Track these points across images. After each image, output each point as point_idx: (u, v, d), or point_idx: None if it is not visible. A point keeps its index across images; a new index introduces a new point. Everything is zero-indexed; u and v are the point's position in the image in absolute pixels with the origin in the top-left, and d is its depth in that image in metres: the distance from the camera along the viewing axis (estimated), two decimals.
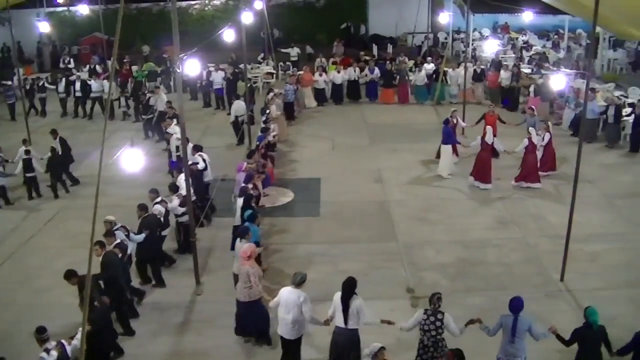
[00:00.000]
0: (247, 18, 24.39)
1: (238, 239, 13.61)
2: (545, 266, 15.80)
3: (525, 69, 31.89)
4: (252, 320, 12.66)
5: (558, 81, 22.11)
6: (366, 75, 31.07)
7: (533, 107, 22.98)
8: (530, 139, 20.44)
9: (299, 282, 11.40)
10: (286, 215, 18.76)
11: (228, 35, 23.42)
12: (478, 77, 31.00)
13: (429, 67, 31.54)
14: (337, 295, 11.21)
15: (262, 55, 35.64)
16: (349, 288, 11.14)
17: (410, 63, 33.33)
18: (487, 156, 20.57)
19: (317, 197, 19.90)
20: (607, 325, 10.97)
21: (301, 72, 31.01)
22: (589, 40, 38.40)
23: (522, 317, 10.82)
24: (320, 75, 30.59)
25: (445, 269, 15.71)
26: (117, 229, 14.15)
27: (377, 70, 31.34)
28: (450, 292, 14.41)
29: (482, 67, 32.24)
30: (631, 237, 17.50)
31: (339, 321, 11.18)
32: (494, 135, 20.91)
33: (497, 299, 14.12)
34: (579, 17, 34.04)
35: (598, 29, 34.26)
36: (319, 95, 30.77)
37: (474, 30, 43.04)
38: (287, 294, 11.43)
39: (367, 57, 33.68)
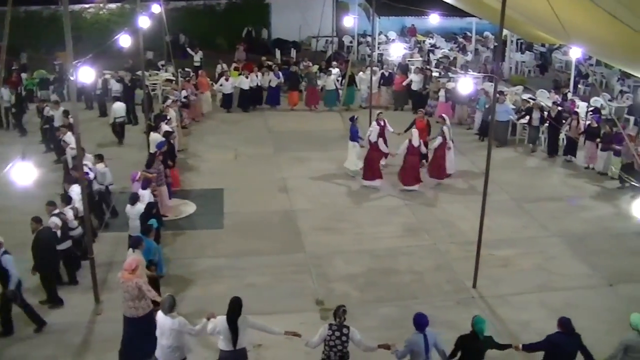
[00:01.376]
0: (144, 22, 24.15)
1: (130, 250, 13.33)
2: (457, 273, 16.21)
3: (433, 73, 32.58)
4: (138, 343, 12.21)
5: (466, 85, 22.73)
6: (270, 80, 31.18)
7: (444, 116, 23.28)
8: (410, 140, 21.13)
9: (168, 309, 11.03)
10: (188, 227, 18.65)
11: (124, 40, 23.13)
12: (386, 81, 31.58)
13: (335, 71, 31.91)
14: (222, 319, 10.90)
15: (162, 61, 35.30)
16: (236, 309, 10.88)
17: (315, 67, 33.63)
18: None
19: (220, 209, 19.85)
20: (521, 330, 11.38)
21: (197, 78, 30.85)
22: (496, 43, 39.62)
23: (430, 332, 10.93)
24: (227, 80, 30.52)
25: (355, 279, 15.91)
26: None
27: (281, 75, 31.53)
28: (361, 303, 14.63)
29: (389, 71, 32.82)
30: (541, 241, 18.16)
31: (226, 345, 10.91)
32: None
33: (409, 309, 14.39)
34: (486, 19, 35.08)
35: (505, 31, 35.47)
36: (226, 101, 30.71)
37: (380, 33, 43.82)
38: (162, 319, 11.10)
39: (270, 62, 33.78)
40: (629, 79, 33.02)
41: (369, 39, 41.19)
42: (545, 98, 29.97)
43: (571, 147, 24.54)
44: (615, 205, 20.75)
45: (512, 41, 39.51)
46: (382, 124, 22.55)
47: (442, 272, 16.35)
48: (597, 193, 21.86)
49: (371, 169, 21.54)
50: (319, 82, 31.40)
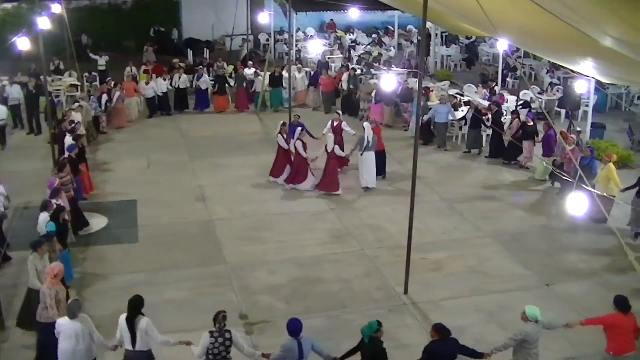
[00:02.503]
0: (43, 23, 23.70)
1: (31, 254, 13.67)
2: (387, 279, 16.35)
3: (358, 70, 32.79)
4: (54, 350, 12.17)
5: (389, 82, 22.93)
6: (199, 83, 31.10)
7: (366, 123, 23.07)
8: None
9: (72, 314, 11.45)
10: (101, 243, 18.35)
11: (22, 43, 22.63)
12: (312, 81, 31.75)
13: (250, 72, 31.86)
14: (123, 318, 11.46)
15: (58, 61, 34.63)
16: (134, 308, 11.44)
17: (230, 68, 33.52)
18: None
19: (134, 221, 19.61)
20: (457, 336, 11.45)
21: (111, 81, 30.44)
22: (420, 37, 40.13)
23: (305, 338, 11.24)
24: (147, 83, 30.16)
25: (280, 290, 15.91)
26: None
27: (206, 77, 31.43)
28: (288, 315, 14.52)
29: (306, 69, 32.95)
30: (473, 242, 18.46)
31: (127, 344, 11.45)
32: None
33: (339, 319, 14.50)
34: (409, 12, 35.45)
35: (429, 24, 35.98)
36: (151, 105, 30.38)
37: (298, 30, 43.92)
38: (67, 325, 11.46)
39: (182, 64, 33.55)
40: (558, 71, 33.76)
41: (286, 36, 41.25)
42: (473, 93, 30.52)
43: (515, 150, 24.12)
44: (548, 204, 21.24)
45: (436, 35, 40.11)
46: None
47: (372, 279, 16.46)
48: (530, 192, 22.34)
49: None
50: (257, 83, 31.25)
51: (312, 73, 31.98)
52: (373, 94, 28.56)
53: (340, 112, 24.12)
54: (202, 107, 31.39)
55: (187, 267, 16.96)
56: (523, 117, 24.55)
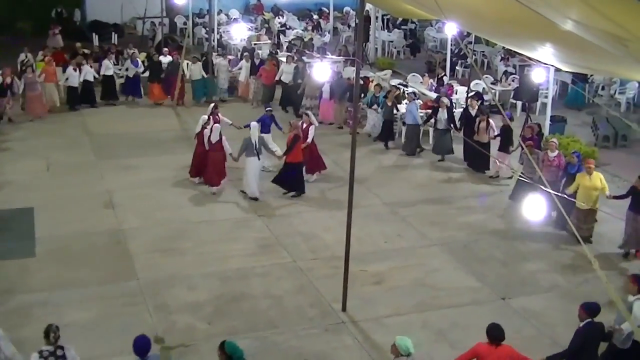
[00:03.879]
0: None
1: None
2: (323, 295, 16.36)
3: (283, 58, 32.83)
4: None
5: (322, 70, 22.96)
6: (127, 69, 31.10)
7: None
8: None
9: None
10: None
11: None
12: (254, 70, 31.47)
13: (165, 59, 31.65)
14: None
15: None
16: None
17: (142, 56, 33.26)
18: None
19: (30, 233, 19.27)
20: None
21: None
22: (358, 20, 40.34)
23: (152, 357, 11.22)
24: (76, 69, 29.68)
25: (201, 308, 15.81)
26: None
27: (139, 63, 31.30)
28: (209, 337, 14.51)
29: (230, 57, 32.88)
30: (419, 251, 18.61)
31: None
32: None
33: (268, 340, 14.44)
34: None
35: (368, 6, 36.14)
36: (74, 95, 29.95)
37: (220, 12, 43.80)
38: None
39: (86, 50, 33.17)
40: (514, 58, 34.24)
41: (206, 19, 41.07)
42: (418, 83, 30.76)
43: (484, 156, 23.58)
44: (501, 207, 21.51)
45: (377, 18, 40.37)
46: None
47: (305, 294, 16.46)
48: (480, 194, 22.63)
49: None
50: (186, 71, 31.00)
51: (258, 62, 31.75)
52: (324, 89, 28.35)
53: (310, 113, 23.56)
54: (135, 94, 31.64)
55: (93, 284, 16.73)
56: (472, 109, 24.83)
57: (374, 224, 19.88)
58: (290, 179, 21.75)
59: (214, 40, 36.41)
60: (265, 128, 22.76)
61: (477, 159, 23.87)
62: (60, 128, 27.99)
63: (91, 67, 30.59)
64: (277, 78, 30.58)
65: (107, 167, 23.94)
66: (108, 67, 30.87)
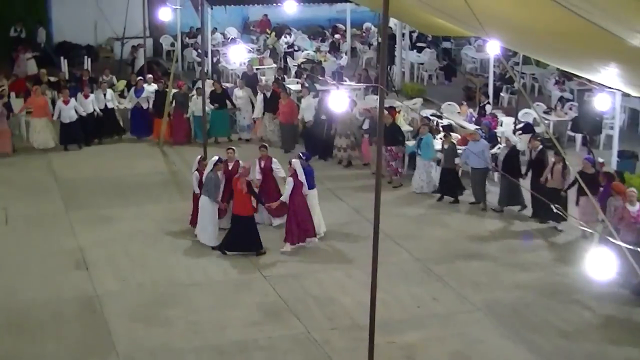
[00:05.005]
0: None
1: None
2: None
3: (292, 85, 32.85)
4: None
5: (339, 99, 22.89)
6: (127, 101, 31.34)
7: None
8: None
9: None
10: None
11: None
12: (270, 104, 30.66)
13: (150, 88, 31.71)
14: None
15: None
16: None
17: (121, 83, 33.36)
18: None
19: None
20: None
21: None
22: (380, 39, 40.29)
23: None
24: (66, 102, 29.75)
25: None
26: None
27: (148, 89, 31.55)
28: None
29: (226, 85, 32.95)
30: (458, 317, 18.48)
31: None
32: None
33: None
34: (364, 5, 35.73)
35: (394, 21, 36.22)
36: (67, 131, 30.05)
37: (214, 30, 43.93)
38: None
39: (52, 79, 33.36)
40: (571, 82, 34.15)
41: (198, 39, 41.24)
42: (454, 114, 30.68)
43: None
44: (561, 260, 21.38)
45: (403, 35, 40.40)
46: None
47: None
48: (525, 234, 22.63)
49: None
50: (191, 105, 30.91)
51: (269, 94, 30.94)
52: (365, 125, 27.88)
53: (267, 146, 23.68)
54: (141, 132, 31.78)
55: None
56: (520, 144, 24.69)
57: (403, 285, 19.76)
58: (240, 237, 21.70)
59: (207, 65, 36.54)
60: (309, 181, 22.25)
61: (544, 208, 22.23)
62: (22, 171, 28.04)
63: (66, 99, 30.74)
64: (300, 117, 30.13)
65: (78, 218, 23.94)
66: (101, 100, 31.01)
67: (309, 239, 21.79)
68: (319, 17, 48.19)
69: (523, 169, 24.14)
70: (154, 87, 31.95)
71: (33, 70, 37.44)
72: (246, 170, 21.66)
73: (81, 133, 30.59)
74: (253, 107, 31.17)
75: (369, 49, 44.30)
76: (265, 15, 47.31)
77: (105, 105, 30.99)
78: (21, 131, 30.58)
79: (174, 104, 30.98)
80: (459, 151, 25.34)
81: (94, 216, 24.10)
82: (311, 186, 22.16)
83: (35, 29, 44.77)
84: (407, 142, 27.05)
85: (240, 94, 31.66)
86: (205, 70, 33.82)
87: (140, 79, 32.56)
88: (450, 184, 25.46)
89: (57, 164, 28.79)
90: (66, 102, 29.87)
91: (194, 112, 30.82)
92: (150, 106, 31.39)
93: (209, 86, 31.12)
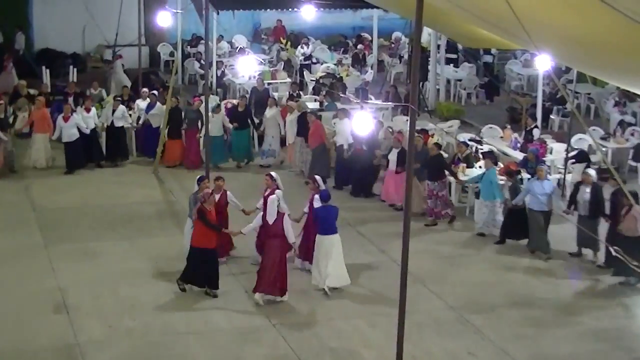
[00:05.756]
0: None
1: None
2: None
3: (310, 103, 32.83)
4: None
5: (363, 121, 22.84)
6: (138, 118, 31.74)
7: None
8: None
9: None
10: None
11: None
12: (302, 127, 30.32)
13: (142, 104, 31.81)
14: None
15: None
16: None
17: (110, 99, 33.39)
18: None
19: None
20: None
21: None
22: (412, 51, 40.21)
23: None
24: (66, 118, 29.83)
25: None
26: None
27: (158, 106, 31.73)
28: None
29: (232, 102, 32.97)
30: None
31: None
32: None
33: None
34: (394, 12, 35.70)
35: (428, 31, 36.23)
36: (72, 153, 30.42)
37: (220, 38, 44.00)
38: None
39: (32, 91, 33.48)
40: (633, 103, 34.01)
41: (201, 48, 41.32)
42: (497, 139, 30.60)
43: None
44: (616, 307, 21.32)
45: (438, 47, 40.37)
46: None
47: None
48: (590, 290, 22.49)
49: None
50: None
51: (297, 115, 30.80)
52: (392, 156, 27.27)
53: (274, 175, 23.47)
54: (150, 152, 31.96)
55: None
56: (577, 174, 24.57)
57: (435, 337, 19.66)
58: (199, 270, 21.66)
59: (211, 78, 36.58)
60: (328, 224, 22.11)
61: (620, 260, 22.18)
62: None
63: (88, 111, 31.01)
64: (332, 140, 29.92)
65: (59, 253, 23.92)
66: (109, 117, 31.30)
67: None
68: (341, 25, 48.32)
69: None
70: (145, 102, 32.06)
71: (13, 82, 37.44)
72: (206, 195, 21.65)
73: (84, 154, 30.87)
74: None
75: (399, 62, 44.39)
76: (280, 21, 47.41)
77: (112, 123, 31.22)
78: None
79: (185, 122, 31.12)
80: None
81: (77, 251, 24.10)
82: (330, 230, 21.83)
83: (13, 34, 44.90)
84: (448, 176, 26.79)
85: (269, 114, 31.55)
86: (209, 84, 33.80)
87: (144, 92, 32.77)
88: (516, 226, 24.99)
89: (36, 189, 28.87)
90: (67, 119, 30.10)
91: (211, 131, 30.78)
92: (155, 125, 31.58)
93: (213, 102, 31.13)
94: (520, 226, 24.80)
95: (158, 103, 31.76)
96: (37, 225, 26.00)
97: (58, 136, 30.46)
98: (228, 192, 23.18)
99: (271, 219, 21.13)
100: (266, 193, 22.58)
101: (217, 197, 22.48)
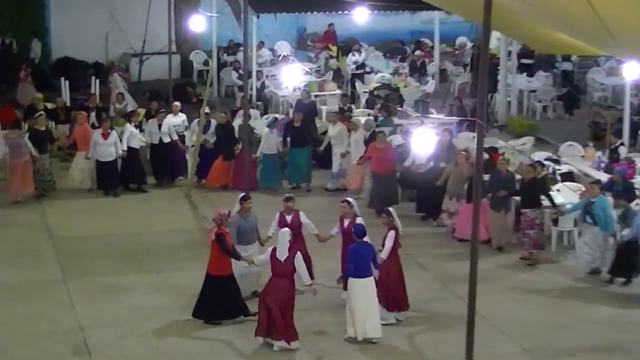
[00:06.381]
0: None
1: None
2: None
3: (362, 118, 32.79)
4: None
5: (424, 138, 22.80)
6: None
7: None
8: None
9: None
10: None
11: None
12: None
13: (177, 121, 31.91)
14: None
15: None
16: None
17: (141, 113, 33.50)
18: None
19: None
20: None
21: None
22: (480, 59, 40.03)
23: None
24: (106, 135, 30.07)
25: None
26: None
27: (174, 120, 32.09)
28: None
29: (278, 117, 32.99)
30: None
31: None
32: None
33: None
34: (458, 14, 35.64)
35: (497, 35, 36.11)
36: (105, 173, 30.88)
37: (261, 45, 44.03)
38: None
39: (50, 105, 33.67)
40: None
41: (239, 56, 41.38)
42: (577, 158, 30.41)
43: None
44: None
45: (509, 54, 40.26)
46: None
47: None
48: None
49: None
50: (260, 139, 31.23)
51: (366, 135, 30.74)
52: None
53: (291, 197, 23.56)
54: (201, 174, 32.18)
55: None
56: None
57: None
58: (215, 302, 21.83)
59: (250, 90, 36.60)
60: (363, 266, 21.86)
61: None
62: (7, 224, 28.21)
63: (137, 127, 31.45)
64: (407, 164, 29.50)
65: (79, 288, 24.00)
66: (155, 133, 31.62)
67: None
68: (398, 29, 48.39)
69: None
70: (181, 117, 32.16)
71: (31, 94, 37.36)
72: (222, 216, 21.74)
73: (118, 175, 31.29)
74: None
75: (464, 71, 44.30)
76: (332, 25, 47.35)
77: (160, 140, 31.52)
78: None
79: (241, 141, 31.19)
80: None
81: (99, 286, 24.19)
82: (364, 272, 21.13)
83: (28, 42, 45.10)
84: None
85: (333, 131, 31.38)
86: (249, 97, 33.83)
87: (176, 106, 33.00)
88: (626, 261, 24.47)
89: (53, 216, 28.96)
90: (106, 136, 30.34)
91: (262, 151, 31.13)
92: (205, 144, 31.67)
93: (254, 118, 31.21)
94: (630, 261, 24.29)
95: (212, 120, 31.82)
96: (54, 256, 26.09)
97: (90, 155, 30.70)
98: (301, 213, 23.20)
99: (282, 255, 20.79)
100: (345, 224, 22.46)
101: (288, 218, 22.73)
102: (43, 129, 30.51)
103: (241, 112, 30.37)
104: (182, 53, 44.24)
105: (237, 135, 31.56)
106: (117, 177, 31.12)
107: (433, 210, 28.45)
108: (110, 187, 30.95)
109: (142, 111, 34.10)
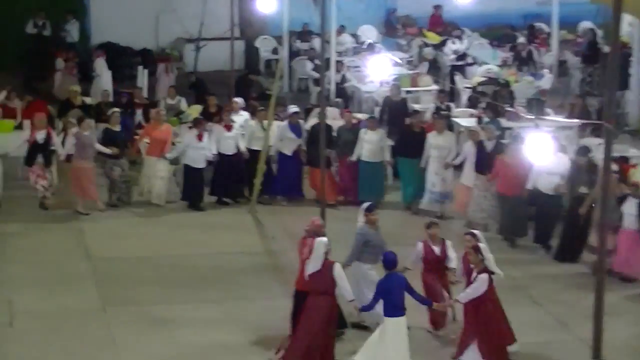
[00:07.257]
0: None
1: None
2: None
3: (464, 120, 32.75)
4: None
5: (539, 144, 22.79)
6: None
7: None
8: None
9: None
10: None
11: None
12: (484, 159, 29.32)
13: (240, 119, 31.98)
14: None
15: None
16: None
17: (194, 111, 33.61)
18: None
19: None
20: None
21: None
22: (607, 47, 39.82)
23: None
24: (200, 137, 30.36)
25: None
26: None
27: (302, 129, 31.93)
28: None
29: (359, 116, 33.01)
30: None
31: None
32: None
33: None
34: None
35: (628, 20, 35.95)
36: (193, 181, 31.25)
37: (342, 30, 44.07)
38: None
39: (88, 100, 33.90)
40: None
41: (315, 43, 41.45)
42: None
43: None
44: None
45: None
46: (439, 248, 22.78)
47: None
48: None
49: None
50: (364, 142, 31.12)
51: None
52: (628, 209, 25.68)
53: (477, 233, 23.20)
54: (291, 192, 32.28)
55: None
56: None
57: None
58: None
59: (328, 84, 36.61)
60: (395, 302, 22.02)
61: None
62: (41, 244, 28.36)
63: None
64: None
65: (121, 320, 24.13)
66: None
67: None
68: (508, 12, 48.33)
69: None
70: (244, 116, 32.18)
71: (68, 84, 37.90)
72: (318, 227, 21.85)
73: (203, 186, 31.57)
74: None
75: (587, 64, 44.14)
76: (439, 7, 47.23)
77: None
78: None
79: (339, 145, 31.19)
80: None
81: (145, 317, 24.29)
82: (397, 310, 20.95)
83: (63, 24, 45.32)
84: None
85: (438, 141, 30.52)
86: (327, 92, 33.83)
87: (236, 103, 32.91)
88: None
89: (91, 234, 29.13)
90: (200, 138, 30.59)
91: (360, 156, 31.00)
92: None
93: (333, 118, 31.23)
94: None
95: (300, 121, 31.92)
96: (92, 281, 26.24)
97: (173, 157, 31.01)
98: (447, 242, 22.93)
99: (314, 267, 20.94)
100: (475, 274, 21.52)
101: (436, 249, 22.57)
102: (118, 129, 30.80)
103: (317, 110, 30.37)
104: (247, 39, 44.42)
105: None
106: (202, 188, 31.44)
107: (569, 249, 27.49)
108: (200, 198, 31.34)
109: (196, 109, 34.18)
